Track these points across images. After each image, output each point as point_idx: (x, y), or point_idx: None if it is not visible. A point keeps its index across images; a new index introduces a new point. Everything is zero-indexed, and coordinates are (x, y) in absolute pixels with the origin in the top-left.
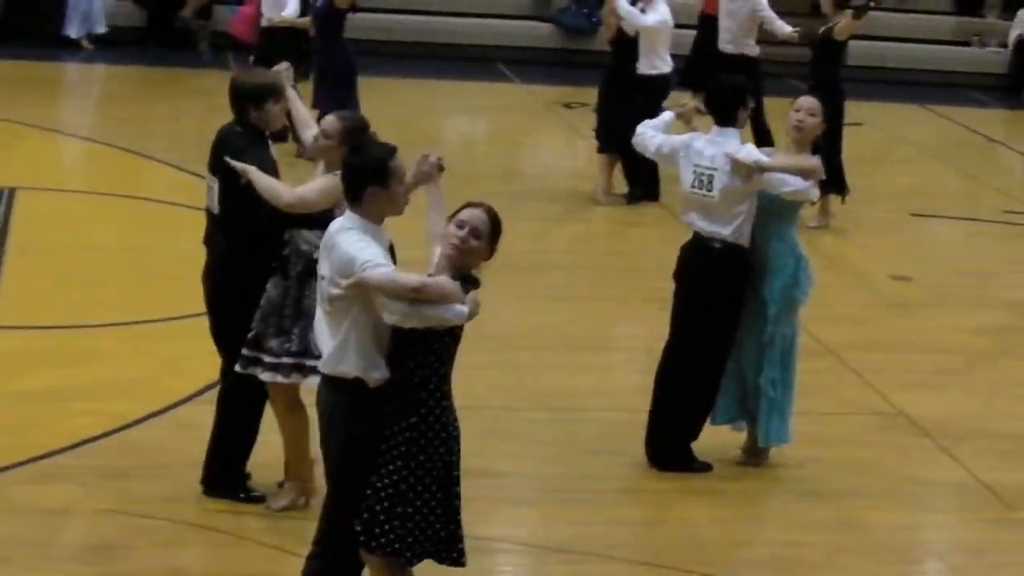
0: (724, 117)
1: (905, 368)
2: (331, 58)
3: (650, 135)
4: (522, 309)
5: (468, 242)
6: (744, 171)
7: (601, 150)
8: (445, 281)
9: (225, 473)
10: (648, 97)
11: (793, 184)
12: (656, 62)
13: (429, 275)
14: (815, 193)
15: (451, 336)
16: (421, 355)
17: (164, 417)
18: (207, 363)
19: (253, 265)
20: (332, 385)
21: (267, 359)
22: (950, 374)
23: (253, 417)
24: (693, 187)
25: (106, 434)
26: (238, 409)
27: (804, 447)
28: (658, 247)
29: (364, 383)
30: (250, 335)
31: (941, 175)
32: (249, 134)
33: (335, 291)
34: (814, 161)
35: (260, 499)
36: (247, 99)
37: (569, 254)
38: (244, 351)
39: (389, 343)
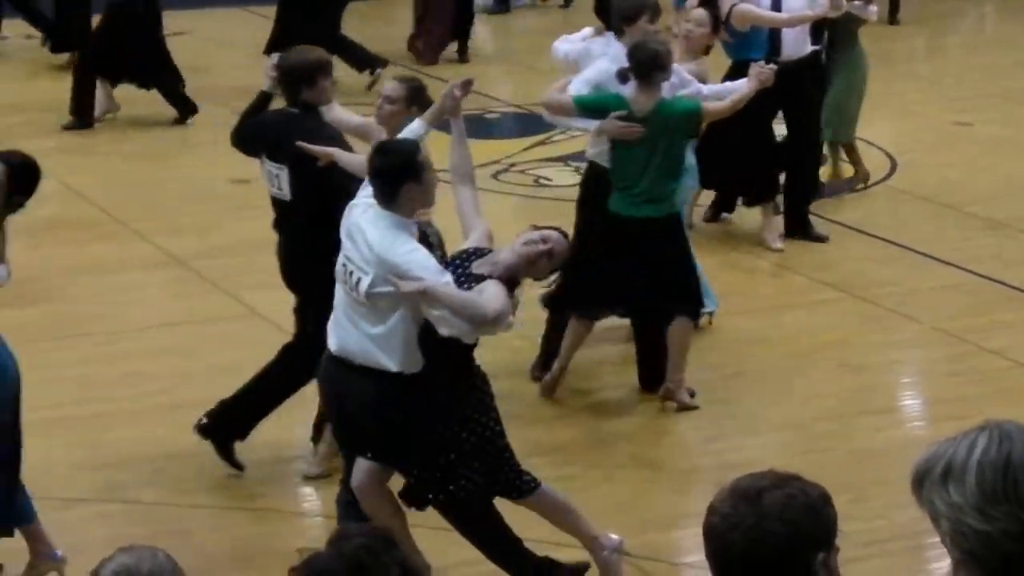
0: None
1: (256, 269)
2: None
3: None
4: None
5: (542, 260)
6: None
7: None
8: (505, 304)
9: (235, 425)
10: None
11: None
12: None
13: (471, 250)
14: None
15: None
16: (464, 349)
17: None
18: None
19: (329, 243)
20: (368, 375)
21: None
22: None
23: (289, 391)
24: None
25: None
26: (284, 377)
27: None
28: None
29: (401, 375)
30: None
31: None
32: (306, 114)
33: (382, 288)
34: None
35: (239, 468)
36: (298, 79)
37: None
38: None
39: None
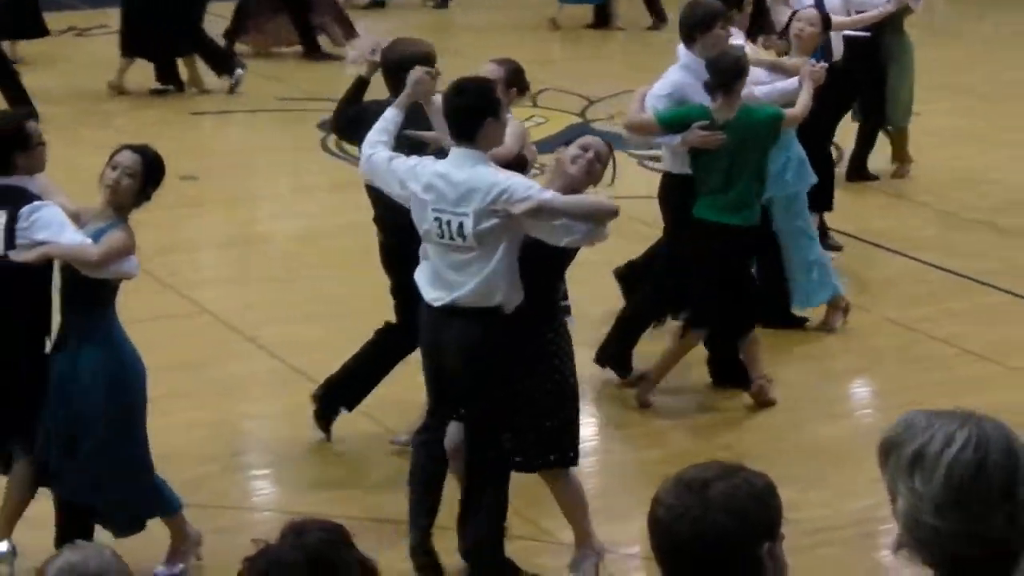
0: None
1: (198, 266)
2: None
3: None
4: None
5: (595, 166)
6: None
7: None
8: (608, 201)
9: (342, 397)
10: None
11: None
12: None
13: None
14: None
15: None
16: (556, 275)
17: None
18: None
19: None
20: (471, 316)
21: None
22: (241, 266)
23: (386, 369)
24: None
25: None
26: (383, 356)
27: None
28: None
29: (502, 309)
30: None
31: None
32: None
33: (487, 223)
34: None
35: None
36: (400, 70)
37: None
38: None
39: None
